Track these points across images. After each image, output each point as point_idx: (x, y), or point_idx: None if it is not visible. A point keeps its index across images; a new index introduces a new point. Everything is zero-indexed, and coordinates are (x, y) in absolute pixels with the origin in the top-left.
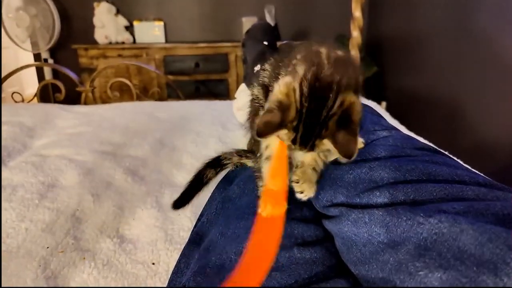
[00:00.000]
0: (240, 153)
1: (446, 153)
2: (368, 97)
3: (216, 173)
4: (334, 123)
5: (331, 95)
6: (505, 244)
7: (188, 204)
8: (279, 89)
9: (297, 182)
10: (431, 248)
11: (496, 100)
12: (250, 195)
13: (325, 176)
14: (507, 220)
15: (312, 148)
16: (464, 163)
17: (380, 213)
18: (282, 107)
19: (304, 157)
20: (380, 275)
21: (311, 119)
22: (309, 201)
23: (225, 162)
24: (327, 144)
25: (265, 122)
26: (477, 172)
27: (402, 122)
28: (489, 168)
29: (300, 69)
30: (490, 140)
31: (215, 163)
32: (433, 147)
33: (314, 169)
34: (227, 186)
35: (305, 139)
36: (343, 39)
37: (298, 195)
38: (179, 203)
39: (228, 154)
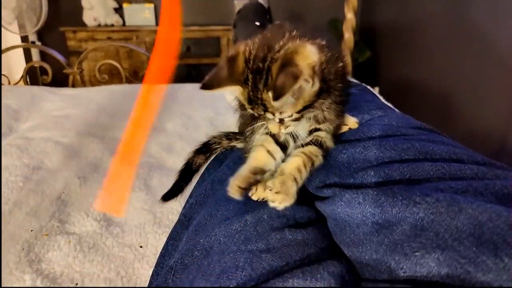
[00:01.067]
0: (229, 136)
1: None
2: (361, 82)
3: (206, 159)
4: (277, 69)
5: (279, 43)
6: (506, 224)
7: (177, 196)
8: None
9: (272, 191)
10: (427, 228)
11: (489, 89)
12: None
13: None
14: (507, 199)
15: (264, 106)
16: None
17: (375, 193)
18: (230, 60)
19: (287, 164)
20: (374, 256)
21: (257, 67)
22: None
23: (214, 147)
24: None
25: (212, 74)
26: (475, 151)
27: (394, 107)
28: (482, 154)
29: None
30: (482, 128)
31: (205, 149)
32: (429, 126)
33: (295, 179)
34: (217, 167)
35: (255, 93)
36: (336, 23)
37: (271, 204)
38: (169, 195)
39: (217, 138)
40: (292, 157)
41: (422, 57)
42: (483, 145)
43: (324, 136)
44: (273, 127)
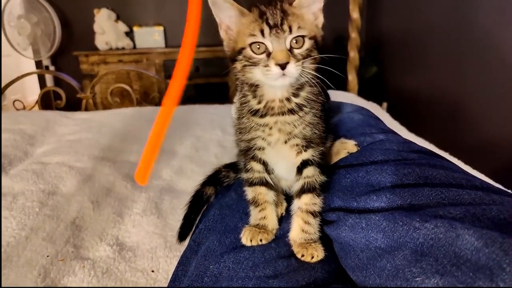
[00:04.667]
0: (236, 170)
1: (447, 154)
2: (368, 99)
3: (216, 190)
4: None
5: None
6: (501, 249)
7: (192, 230)
8: None
9: (303, 255)
10: (427, 254)
11: (498, 99)
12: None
13: None
14: (503, 225)
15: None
16: (466, 162)
17: (377, 218)
18: None
19: (292, 231)
20: (378, 281)
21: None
22: None
23: (224, 180)
24: None
25: None
26: (474, 175)
27: (403, 122)
28: (491, 167)
29: None
30: (492, 139)
31: (213, 180)
32: (429, 150)
33: (310, 241)
34: (225, 193)
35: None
36: (342, 41)
37: (312, 260)
38: (184, 232)
39: (225, 172)
40: (292, 218)
41: (430, 70)
42: (493, 156)
43: (312, 174)
44: (282, 54)
